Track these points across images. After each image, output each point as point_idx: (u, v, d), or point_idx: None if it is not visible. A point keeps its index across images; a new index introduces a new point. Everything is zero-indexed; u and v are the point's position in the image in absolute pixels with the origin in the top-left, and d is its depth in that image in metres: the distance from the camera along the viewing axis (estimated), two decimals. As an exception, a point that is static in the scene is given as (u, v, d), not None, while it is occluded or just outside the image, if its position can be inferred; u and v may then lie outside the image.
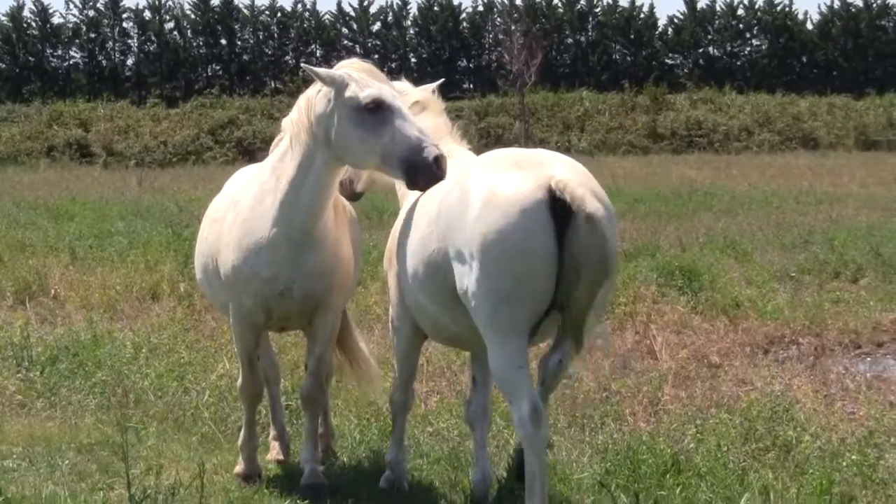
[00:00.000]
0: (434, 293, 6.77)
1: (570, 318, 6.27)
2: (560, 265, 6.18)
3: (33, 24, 77.66)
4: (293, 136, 7.59)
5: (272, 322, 8.01)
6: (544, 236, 6.17)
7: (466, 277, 6.34)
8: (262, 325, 8.01)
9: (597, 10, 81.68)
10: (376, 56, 74.88)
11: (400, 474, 7.81)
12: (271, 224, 7.61)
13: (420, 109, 7.71)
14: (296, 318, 8.00)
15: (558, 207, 6.17)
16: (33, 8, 78.09)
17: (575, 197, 6.13)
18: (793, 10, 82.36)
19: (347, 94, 7.21)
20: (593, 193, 6.30)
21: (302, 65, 7.76)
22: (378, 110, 7.12)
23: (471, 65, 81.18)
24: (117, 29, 78.67)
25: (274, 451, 8.85)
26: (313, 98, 7.46)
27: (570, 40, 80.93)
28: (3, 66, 75.66)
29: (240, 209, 7.84)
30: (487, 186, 6.36)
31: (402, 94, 7.68)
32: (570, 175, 6.33)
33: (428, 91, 7.97)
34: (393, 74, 7.89)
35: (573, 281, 6.15)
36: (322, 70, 7.35)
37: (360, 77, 7.26)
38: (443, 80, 8.15)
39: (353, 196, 8.27)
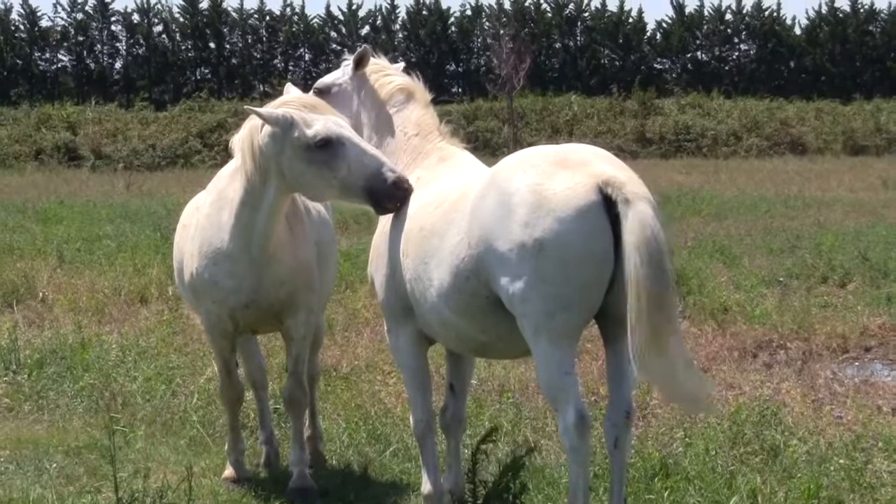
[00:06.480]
0: (463, 304, 6.39)
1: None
2: (616, 269, 5.93)
3: (21, 26, 77.48)
4: (242, 163, 7.55)
5: (241, 328, 8.01)
6: (604, 240, 5.92)
7: (514, 284, 6.01)
8: (234, 332, 8.00)
9: (585, 14, 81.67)
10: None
11: None
12: (229, 237, 7.63)
13: (406, 98, 7.52)
14: (265, 323, 8.02)
15: (612, 208, 5.91)
16: (21, 11, 77.87)
17: (618, 187, 5.89)
18: (781, 14, 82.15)
19: (294, 134, 7.19)
20: (640, 189, 6.00)
21: (245, 107, 7.72)
22: (328, 145, 7.11)
23: (459, 69, 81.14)
24: (105, 32, 78.48)
25: (262, 457, 8.85)
26: (257, 134, 7.40)
27: (558, 45, 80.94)
28: (-9, 68, 75.52)
29: (200, 216, 7.89)
30: (533, 189, 6.02)
31: (383, 70, 7.61)
32: (619, 173, 6.03)
33: (402, 72, 7.71)
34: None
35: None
36: (265, 111, 7.34)
37: (303, 115, 7.23)
38: (404, 62, 7.98)
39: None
